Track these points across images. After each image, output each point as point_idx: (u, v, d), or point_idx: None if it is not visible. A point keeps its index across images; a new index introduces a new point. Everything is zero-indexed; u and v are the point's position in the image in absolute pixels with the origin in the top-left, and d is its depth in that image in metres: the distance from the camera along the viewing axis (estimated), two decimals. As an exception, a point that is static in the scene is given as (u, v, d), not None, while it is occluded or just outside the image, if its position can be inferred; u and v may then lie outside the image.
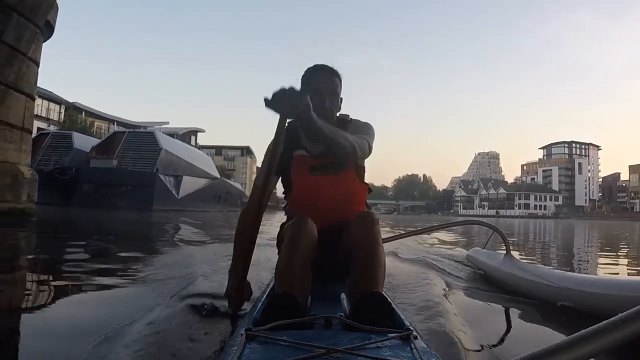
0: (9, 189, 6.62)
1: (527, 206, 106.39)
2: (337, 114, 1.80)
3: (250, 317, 1.29)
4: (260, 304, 1.43)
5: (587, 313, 1.99)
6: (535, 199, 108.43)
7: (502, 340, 1.78)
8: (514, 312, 2.26)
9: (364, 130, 1.73)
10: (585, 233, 15.60)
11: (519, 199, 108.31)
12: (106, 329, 1.61)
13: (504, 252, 3.26)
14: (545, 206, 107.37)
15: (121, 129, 33.21)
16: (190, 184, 25.61)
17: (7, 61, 6.45)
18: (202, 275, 2.77)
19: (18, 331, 1.82)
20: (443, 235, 7.69)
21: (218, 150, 78.62)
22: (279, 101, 1.19)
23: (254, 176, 73.23)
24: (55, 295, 2.46)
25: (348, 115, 1.84)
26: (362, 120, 1.84)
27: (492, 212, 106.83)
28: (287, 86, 1.18)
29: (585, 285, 2.17)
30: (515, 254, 3.38)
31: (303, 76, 1.75)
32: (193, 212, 21.48)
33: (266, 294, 1.61)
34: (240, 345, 0.96)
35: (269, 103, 1.19)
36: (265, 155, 1.71)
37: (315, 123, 1.33)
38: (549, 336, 1.82)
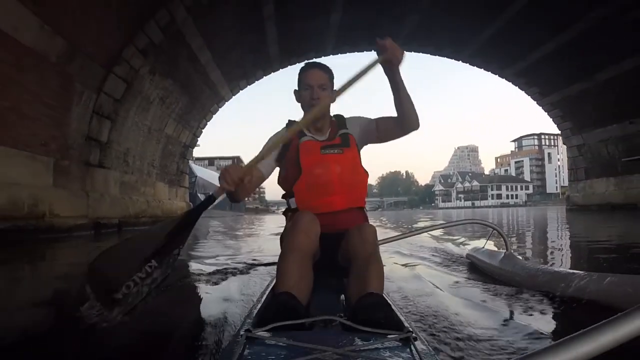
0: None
1: (499, 196, 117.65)
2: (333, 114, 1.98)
3: (250, 318, 1.31)
4: (260, 305, 1.46)
5: (588, 312, 2.01)
6: (507, 189, 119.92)
7: (502, 340, 1.77)
8: (515, 312, 2.28)
9: (370, 122, 1.96)
10: (533, 213, 23.80)
11: (492, 190, 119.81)
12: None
13: (504, 250, 3.35)
14: (516, 195, 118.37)
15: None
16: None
17: (186, 164, 18.05)
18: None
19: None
20: (439, 232, 8.13)
21: (211, 161, 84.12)
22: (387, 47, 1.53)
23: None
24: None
25: (342, 115, 2.01)
26: (357, 115, 2.00)
27: (468, 203, 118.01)
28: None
29: (587, 283, 2.19)
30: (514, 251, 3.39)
31: (298, 74, 1.92)
32: (216, 217, 33.33)
33: (266, 294, 1.62)
34: (240, 346, 0.99)
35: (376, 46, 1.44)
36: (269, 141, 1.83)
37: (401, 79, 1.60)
38: (550, 335, 1.82)
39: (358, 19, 15.76)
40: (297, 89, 1.94)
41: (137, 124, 12.64)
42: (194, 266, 3.61)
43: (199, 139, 18.21)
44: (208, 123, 18.20)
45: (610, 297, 1.99)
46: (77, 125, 9.82)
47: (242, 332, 1.07)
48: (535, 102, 21.82)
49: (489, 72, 21.03)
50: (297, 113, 1.95)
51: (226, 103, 18.30)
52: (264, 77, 18.16)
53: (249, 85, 18.14)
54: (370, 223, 1.76)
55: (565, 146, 23.88)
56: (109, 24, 9.81)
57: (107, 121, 10.94)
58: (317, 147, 1.87)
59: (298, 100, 1.94)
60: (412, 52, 19.78)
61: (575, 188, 22.53)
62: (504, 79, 21.34)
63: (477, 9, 15.18)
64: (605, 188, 20.05)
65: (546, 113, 22.01)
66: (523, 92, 21.69)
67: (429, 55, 20.04)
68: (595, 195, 20.54)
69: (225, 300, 2.32)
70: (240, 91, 18.20)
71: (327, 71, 1.90)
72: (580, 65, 17.46)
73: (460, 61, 20.37)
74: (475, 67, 20.75)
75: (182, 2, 10.93)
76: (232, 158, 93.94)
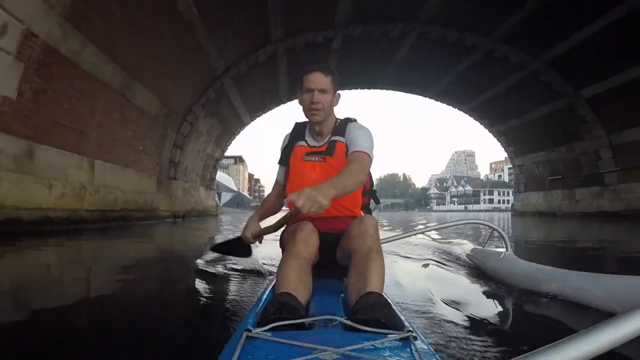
0: (214, 209, 24.87)
1: (491, 201, 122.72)
2: (343, 117, 2.01)
3: (250, 318, 1.33)
4: (260, 304, 1.47)
5: (588, 312, 2.05)
6: (499, 194, 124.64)
7: (502, 340, 1.79)
8: (515, 311, 2.33)
9: (362, 140, 1.83)
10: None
11: (484, 195, 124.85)
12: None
13: (504, 250, 3.42)
14: (508, 200, 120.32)
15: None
16: (224, 197, 44.30)
17: (215, 173, 24.65)
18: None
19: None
20: (439, 232, 8.23)
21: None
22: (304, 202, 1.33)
23: (246, 181, 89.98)
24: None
25: (355, 119, 2.00)
26: (362, 124, 1.96)
27: (462, 207, 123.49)
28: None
29: (587, 283, 2.23)
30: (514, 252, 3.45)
31: (301, 75, 1.91)
32: (227, 213, 39.94)
33: (266, 294, 1.64)
34: (240, 346, 1.01)
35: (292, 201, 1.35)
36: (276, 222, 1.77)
37: (331, 198, 1.40)
38: (550, 335, 1.73)
39: (350, 68, 22.16)
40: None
41: (192, 149, 19.20)
42: (195, 264, 3.69)
43: (225, 153, 24.79)
44: (232, 141, 24.76)
45: (612, 297, 2.03)
46: (166, 154, 16.43)
47: (242, 332, 1.08)
48: (487, 130, 28.27)
49: (451, 107, 27.53)
50: (294, 119, 2.03)
51: (246, 126, 24.85)
52: (275, 107, 24.67)
53: (264, 113, 24.66)
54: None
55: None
56: (189, 95, 16.48)
57: (179, 149, 17.50)
58: (302, 153, 1.94)
59: (300, 103, 1.93)
60: (391, 90, 26.40)
61: (517, 198, 29.15)
62: (462, 112, 27.80)
63: (435, 66, 21.65)
64: (536, 200, 26.58)
65: (495, 139, 28.49)
66: (477, 122, 28.15)
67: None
68: (530, 205, 27.09)
69: (225, 299, 2.33)
70: (258, 118, 24.75)
71: (330, 73, 1.88)
72: (513, 107, 24.00)
73: (428, 98, 26.84)
74: (439, 102, 27.22)
75: (229, 74, 17.46)
76: (235, 157, 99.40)
